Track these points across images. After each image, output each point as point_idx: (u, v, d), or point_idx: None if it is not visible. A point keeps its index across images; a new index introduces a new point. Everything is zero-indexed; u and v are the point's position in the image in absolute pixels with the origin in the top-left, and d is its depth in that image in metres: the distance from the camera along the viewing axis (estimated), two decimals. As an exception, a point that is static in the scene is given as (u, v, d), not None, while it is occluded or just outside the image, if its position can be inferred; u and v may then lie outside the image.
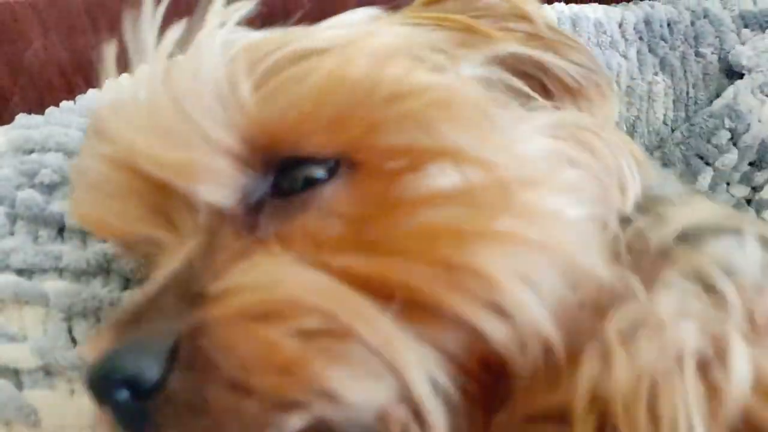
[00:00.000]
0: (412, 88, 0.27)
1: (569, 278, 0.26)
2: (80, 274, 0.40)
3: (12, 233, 0.41)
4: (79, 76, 0.67)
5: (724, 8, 0.65)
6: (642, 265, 0.28)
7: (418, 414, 0.24)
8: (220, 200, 0.28)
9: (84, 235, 0.43)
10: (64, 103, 0.49)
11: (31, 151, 0.45)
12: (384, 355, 0.23)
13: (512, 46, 0.32)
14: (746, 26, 0.63)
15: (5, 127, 0.47)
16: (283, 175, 0.28)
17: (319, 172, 0.27)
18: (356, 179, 0.27)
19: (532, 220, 0.27)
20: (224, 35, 0.30)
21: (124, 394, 0.23)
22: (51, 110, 0.48)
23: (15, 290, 0.38)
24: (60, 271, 0.40)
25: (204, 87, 0.28)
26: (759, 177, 0.60)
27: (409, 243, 0.25)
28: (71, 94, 0.51)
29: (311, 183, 0.27)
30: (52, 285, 0.39)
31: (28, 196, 0.42)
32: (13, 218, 0.42)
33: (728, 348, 0.23)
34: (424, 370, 0.24)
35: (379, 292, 0.24)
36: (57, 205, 0.42)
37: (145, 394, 0.23)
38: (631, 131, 0.60)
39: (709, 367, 0.23)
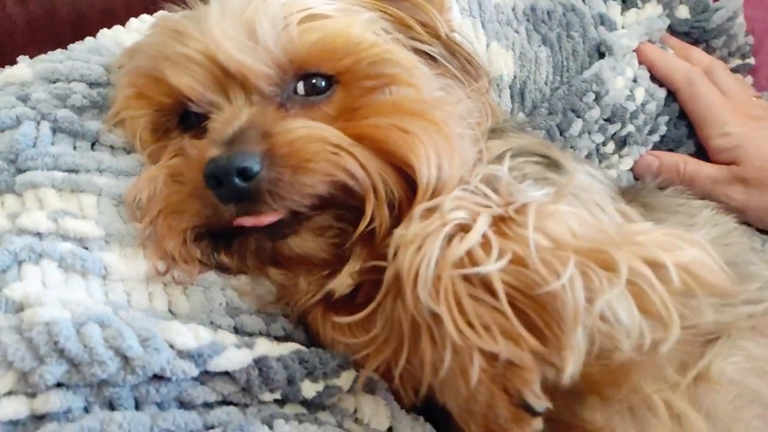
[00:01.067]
0: (379, 47, 0.50)
1: (459, 159, 0.47)
2: (118, 174, 0.50)
3: (53, 143, 0.50)
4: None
5: (584, 3, 0.84)
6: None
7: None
8: (267, 90, 0.49)
9: (112, 149, 0.52)
10: (87, 40, 0.58)
11: (56, 81, 0.54)
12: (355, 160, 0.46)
13: (425, 38, 0.55)
14: (602, 24, 0.82)
15: (29, 60, 0.56)
16: (303, 82, 0.49)
17: (321, 83, 0.50)
18: (342, 89, 0.50)
19: (441, 117, 0.48)
20: None
21: (238, 179, 0.44)
22: (72, 47, 0.57)
23: (73, 183, 0.47)
24: (101, 172, 0.50)
25: (266, 17, 0.48)
26: (611, 128, 0.79)
27: (376, 117, 0.47)
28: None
29: (317, 89, 0.49)
30: (101, 179, 0.49)
31: (67, 114, 0.51)
32: (53, 131, 0.51)
33: (476, 222, 0.41)
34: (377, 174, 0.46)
35: (359, 141, 0.46)
36: (90, 124, 0.52)
37: (250, 179, 0.44)
38: (523, 87, 0.77)
39: (466, 230, 0.40)
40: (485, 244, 0.40)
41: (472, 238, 0.40)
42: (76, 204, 0.47)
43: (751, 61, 0.89)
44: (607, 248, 0.38)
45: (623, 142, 0.81)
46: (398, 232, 0.43)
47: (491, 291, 0.38)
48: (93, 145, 0.52)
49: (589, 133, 0.79)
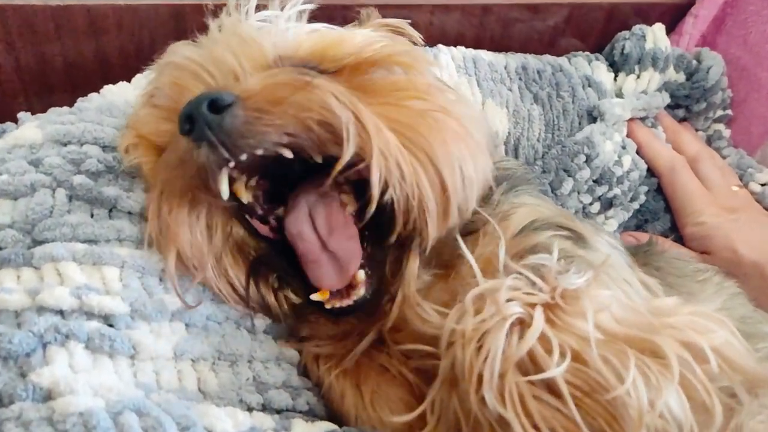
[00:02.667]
0: (382, 42, 0.51)
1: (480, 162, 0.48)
2: (138, 243, 0.49)
3: (69, 211, 0.48)
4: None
5: (571, 65, 0.87)
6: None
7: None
8: None
9: (130, 216, 0.51)
10: (93, 97, 0.56)
11: (68, 143, 0.52)
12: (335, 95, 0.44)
13: None
14: (590, 86, 0.85)
15: (36, 121, 0.54)
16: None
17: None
18: (341, 74, 0.49)
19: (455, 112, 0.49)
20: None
21: (208, 111, 0.41)
22: (81, 106, 0.55)
23: (95, 255, 0.46)
24: (121, 242, 0.48)
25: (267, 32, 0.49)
26: (599, 190, 0.83)
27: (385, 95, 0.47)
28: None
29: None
30: (122, 250, 0.47)
31: (83, 180, 0.49)
32: (69, 198, 0.49)
33: (533, 318, 0.41)
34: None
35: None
36: (106, 190, 0.50)
37: (222, 110, 0.41)
38: (517, 144, 0.79)
39: (523, 325, 0.41)
40: (543, 339, 0.40)
41: (532, 336, 0.40)
42: (99, 278, 0.45)
43: (730, 111, 0.93)
44: (651, 336, 0.39)
45: (609, 204, 0.84)
46: (449, 324, 0.42)
47: (555, 392, 0.38)
48: (110, 212, 0.50)
49: (579, 193, 0.82)
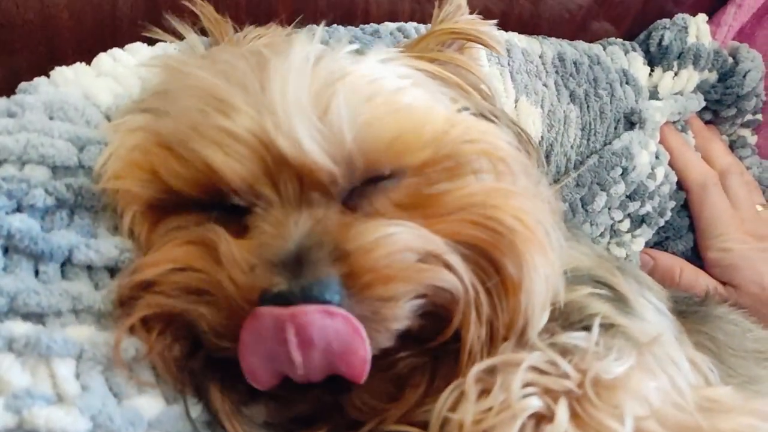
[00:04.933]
0: (460, 126, 0.40)
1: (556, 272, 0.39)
2: (101, 317, 0.36)
3: (5, 269, 0.35)
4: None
5: (607, 55, 0.76)
6: None
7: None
8: (331, 189, 0.37)
9: (89, 273, 0.37)
10: (39, 86, 0.41)
11: (2, 164, 0.38)
12: (451, 271, 0.36)
13: (481, 102, 0.47)
14: (627, 83, 0.74)
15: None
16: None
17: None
18: (414, 177, 0.39)
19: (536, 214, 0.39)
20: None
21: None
22: (21, 102, 0.40)
23: (41, 345, 0.32)
24: (77, 315, 0.35)
25: (345, 95, 0.36)
26: (631, 206, 0.74)
27: (455, 210, 0.38)
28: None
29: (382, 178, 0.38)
30: (79, 331, 0.34)
31: (24, 224, 0.35)
32: (4, 251, 0.35)
33: (555, 414, 0.33)
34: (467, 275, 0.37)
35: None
36: (56, 237, 0.36)
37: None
38: (549, 152, 0.67)
39: (542, 421, 0.34)
40: None
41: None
42: (47, 376, 0.32)
43: (760, 117, 0.86)
44: None
45: (641, 221, 0.75)
46: (442, 407, 0.35)
47: None
48: (62, 267, 0.37)
49: (610, 209, 0.72)
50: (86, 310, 0.35)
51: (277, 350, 0.33)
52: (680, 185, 0.78)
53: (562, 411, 0.33)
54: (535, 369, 0.36)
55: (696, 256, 0.78)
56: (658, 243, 0.80)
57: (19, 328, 0.33)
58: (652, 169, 0.73)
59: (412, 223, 0.37)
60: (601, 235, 0.74)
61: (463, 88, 0.46)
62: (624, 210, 0.73)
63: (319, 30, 0.43)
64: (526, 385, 0.35)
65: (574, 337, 0.38)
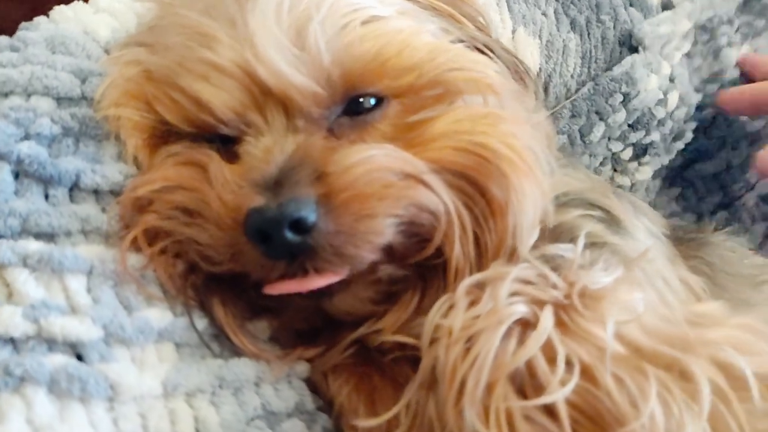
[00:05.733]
0: (446, 54, 0.41)
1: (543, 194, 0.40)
2: (108, 237, 0.38)
3: (16, 193, 0.37)
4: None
5: (612, -21, 0.74)
6: None
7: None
8: (315, 112, 0.39)
9: (96, 196, 0.39)
10: (40, 24, 0.43)
11: (9, 94, 0.39)
12: (430, 191, 0.38)
13: (474, 32, 0.47)
14: (632, 5, 0.73)
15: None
16: (350, 102, 0.40)
17: (371, 101, 0.40)
18: (399, 106, 0.41)
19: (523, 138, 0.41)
20: None
21: (290, 233, 0.35)
22: (24, 38, 0.42)
23: (53, 259, 0.35)
24: (86, 235, 0.37)
25: (320, 17, 0.38)
26: (633, 136, 0.71)
27: (446, 136, 0.39)
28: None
29: (365, 107, 0.40)
30: (89, 248, 0.36)
31: (33, 150, 0.37)
32: (15, 176, 0.37)
33: (539, 319, 0.34)
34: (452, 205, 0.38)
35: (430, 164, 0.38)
36: (64, 162, 0.38)
37: (305, 232, 0.35)
38: (548, 81, 0.67)
39: (528, 327, 0.34)
40: (548, 348, 0.34)
41: (535, 342, 0.33)
42: (61, 290, 0.35)
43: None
44: (681, 354, 0.33)
45: (644, 150, 0.73)
46: (434, 317, 0.36)
47: (552, 414, 0.32)
48: (71, 192, 0.39)
49: (609, 140, 0.71)
50: (95, 231, 0.38)
51: None
52: (703, 105, 0.73)
53: (546, 317, 0.35)
54: (523, 280, 0.37)
55: (730, 178, 0.76)
56: (686, 166, 0.77)
57: (33, 245, 0.35)
58: (665, 94, 0.69)
59: (394, 147, 0.38)
60: (602, 164, 0.73)
61: (456, 18, 0.47)
62: (624, 141, 0.71)
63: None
64: (514, 294, 0.36)
65: (560, 249, 0.40)
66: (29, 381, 0.31)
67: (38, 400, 0.31)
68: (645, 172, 0.74)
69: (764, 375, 0.34)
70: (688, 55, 0.71)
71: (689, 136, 0.74)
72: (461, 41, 0.45)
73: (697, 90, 0.72)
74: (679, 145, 0.74)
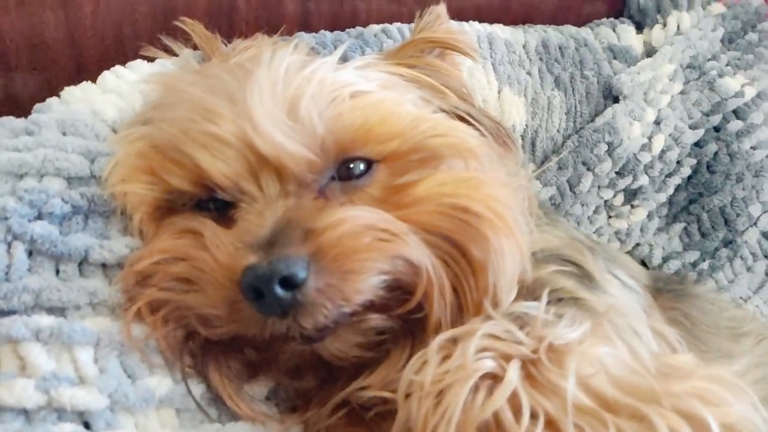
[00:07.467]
0: (427, 123, 0.45)
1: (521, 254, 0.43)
2: (114, 309, 0.41)
3: (30, 270, 0.40)
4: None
5: (596, 39, 0.78)
6: None
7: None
8: (307, 178, 0.42)
9: (104, 270, 0.42)
10: (52, 106, 0.46)
11: (23, 176, 0.43)
12: (410, 247, 0.41)
13: (457, 102, 0.50)
14: (615, 58, 0.76)
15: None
16: (341, 167, 0.43)
17: (360, 166, 0.44)
18: (386, 167, 0.44)
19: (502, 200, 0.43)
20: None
21: (281, 290, 0.37)
22: (37, 120, 0.45)
23: (63, 333, 0.38)
24: (94, 308, 0.40)
25: (311, 93, 0.41)
26: (621, 182, 0.74)
27: (429, 200, 0.42)
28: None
29: (355, 173, 0.44)
30: (96, 321, 0.39)
31: (45, 230, 0.40)
32: (28, 254, 0.40)
33: (506, 373, 0.36)
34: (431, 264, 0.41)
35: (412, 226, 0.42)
36: (73, 239, 0.41)
37: (295, 287, 0.38)
38: (534, 137, 0.71)
39: (495, 381, 0.36)
40: (514, 399, 0.36)
41: (501, 395, 0.35)
42: (70, 362, 0.37)
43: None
44: (647, 407, 0.34)
45: (634, 195, 0.76)
46: (408, 372, 0.39)
47: None
48: (80, 266, 0.42)
49: (599, 188, 0.74)
50: (102, 304, 0.41)
51: None
52: (704, 141, 0.76)
53: (512, 371, 0.36)
54: (492, 336, 0.39)
55: (735, 211, 0.78)
56: (692, 201, 0.80)
57: (44, 320, 0.38)
58: (648, 139, 0.73)
59: (378, 210, 0.41)
60: (596, 211, 0.76)
61: (438, 89, 0.50)
62: (613, 188, 0.74)
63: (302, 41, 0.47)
64: (482, 350, 0.38)
65: (525, 306, 0.42)
66: (41, 450, 0.34)
67: (49, 468, 0.34)
68: (639, 214, 0.77)
69: (729, 425, 0.35)
70: (683, 92, 0.75)
71: (687, 171, 0.77)
72: (443, 110, 0.49)
73: (695, 126, 0.75)
74: (676, 180, 0.77)
